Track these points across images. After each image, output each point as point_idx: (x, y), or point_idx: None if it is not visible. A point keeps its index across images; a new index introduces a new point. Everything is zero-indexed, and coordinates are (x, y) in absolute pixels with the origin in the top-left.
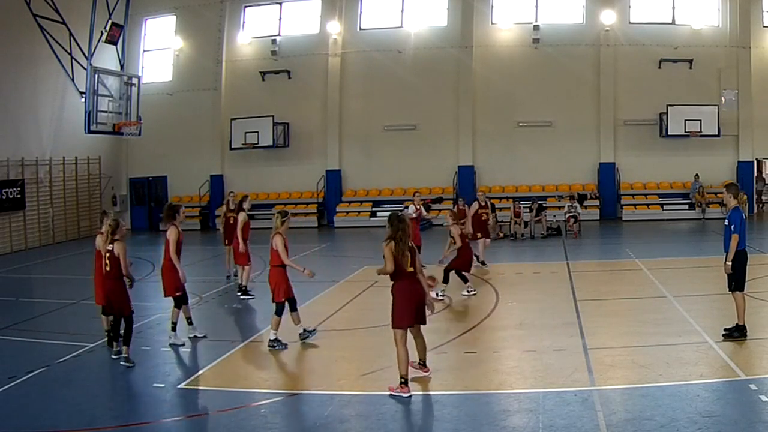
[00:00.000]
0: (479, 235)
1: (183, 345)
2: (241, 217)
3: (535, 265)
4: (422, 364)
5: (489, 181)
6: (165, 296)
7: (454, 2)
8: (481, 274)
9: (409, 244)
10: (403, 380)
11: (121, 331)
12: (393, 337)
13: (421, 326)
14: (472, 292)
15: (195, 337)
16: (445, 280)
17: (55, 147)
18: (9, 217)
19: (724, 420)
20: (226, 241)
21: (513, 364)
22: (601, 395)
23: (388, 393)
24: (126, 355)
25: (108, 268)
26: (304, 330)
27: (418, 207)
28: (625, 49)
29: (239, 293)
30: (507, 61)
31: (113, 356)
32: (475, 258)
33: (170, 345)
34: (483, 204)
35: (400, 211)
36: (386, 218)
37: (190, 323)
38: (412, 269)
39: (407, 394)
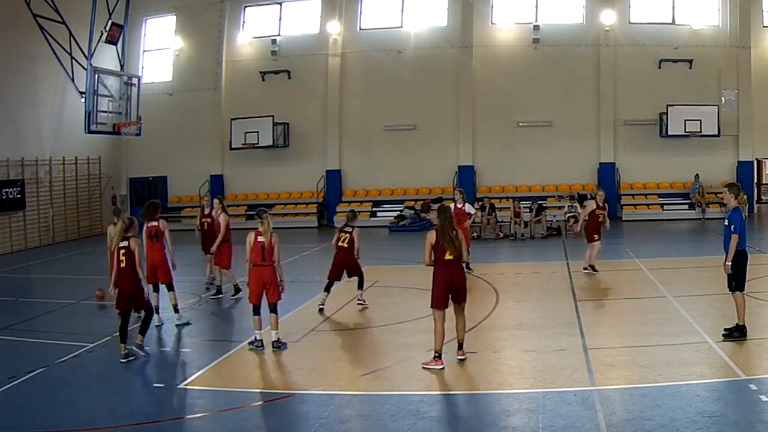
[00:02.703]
0: (596, 237)
1: (189, 323)
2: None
3: (535, 265)
4: (458, 347)
5: (489, 181)
6: (164, 283)
7: (454, 2)
8: (480, 273)
9: (454, 234)
10: (437, 354)
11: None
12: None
13: (463, 305)
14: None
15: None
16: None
17: (55, 147)
18: (9, 217)
19: (724, 420)
20: (203, 247)
21: (513, 364)
22: (601, 395)
23: (422, 366)
24: (140, 342)
25: (123, 265)
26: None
27: (459, 206)
28: (625, 49)
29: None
30: (507, 61)
31: (122, 360)
32: (587, 269)
33: (176, 326)
34: (601, 204)
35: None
36: (422, 209)
37: (157, 312)
38: (451, 257)
39: (440, 367)
